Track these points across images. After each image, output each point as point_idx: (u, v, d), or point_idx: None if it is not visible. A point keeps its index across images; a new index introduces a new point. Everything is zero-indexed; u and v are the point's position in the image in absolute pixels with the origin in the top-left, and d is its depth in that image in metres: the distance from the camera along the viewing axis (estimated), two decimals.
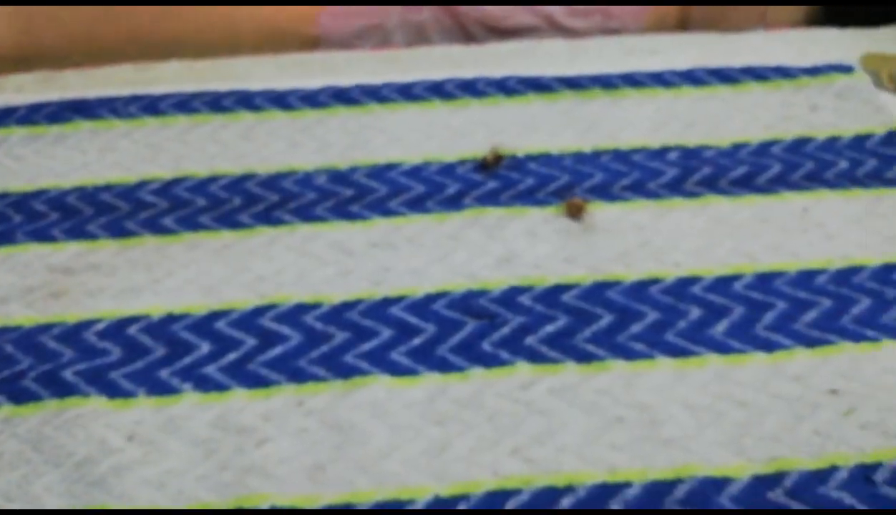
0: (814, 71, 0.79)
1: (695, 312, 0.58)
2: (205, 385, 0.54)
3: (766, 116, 0.75)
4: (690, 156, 0.71)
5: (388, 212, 0.66)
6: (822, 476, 0.49)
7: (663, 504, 0.48)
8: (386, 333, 0.57)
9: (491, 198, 0.67)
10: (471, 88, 0.78)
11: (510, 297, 0.59)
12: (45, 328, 0.57)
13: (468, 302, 0.59)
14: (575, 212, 0.65)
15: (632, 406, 0.53)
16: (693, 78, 0.79)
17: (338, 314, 0.58)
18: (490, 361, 0.55)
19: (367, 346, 0.56)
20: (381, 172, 0.70)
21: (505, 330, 0.57)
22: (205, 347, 0.56)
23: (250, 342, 0.56)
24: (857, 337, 0.57)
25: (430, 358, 0.55)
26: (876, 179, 0.69)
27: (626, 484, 0.49)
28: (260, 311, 0.58)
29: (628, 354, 0.56)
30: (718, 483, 0.49)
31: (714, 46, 0.84)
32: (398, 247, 0.63)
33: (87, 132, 0.74)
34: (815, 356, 0.56)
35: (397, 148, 0.72)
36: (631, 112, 0.75)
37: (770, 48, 0.84)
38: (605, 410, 0.52)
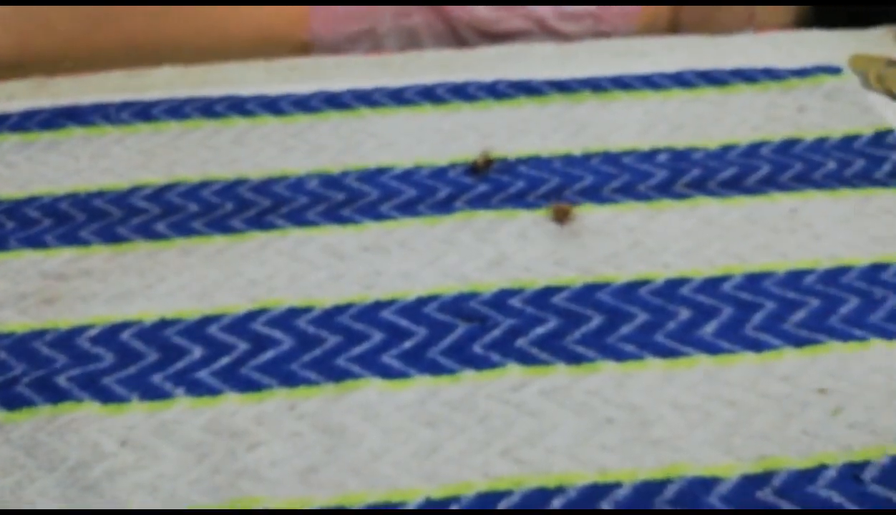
0: (802, 72, 0.80)
1: (684, 313, 0.59)
2: (197, 389, 0.54)
3: (755, 118, 0.76)
4: (680, 158, 0.72)
5: (379, 216, 0.66)
6: (811, 474, 0.49)
7: (653, 504, 0.48)
8: (377, 336, 0.57)
9: (482, 202, 0.68)
10: (462, 92, 0.78)
11: (501, 300, 0.60)
12: (39, 334, 0.58)
13: (459, 305, 0.59)
14: (561, 217, 0.65)
15: (622, 406, 0.53)
16: (682, 80, 0.79)
17: (329, 318, 0.58)
18: (481, 363, 0.55)
19: (358, 350, 0.56)
20: (372, 176, 0.70)
21: (496, 333, 0.57)
22: (197, 352, 0.56)
23: (242, 346, 0.57)
24: (845, 337, 0.57)
25: (421, 361, 0.56)
26: (864, 179, 0.70)
27: (617, 485, 0.49)
28: (252, 316, 0.59)
29: (618, 355, 0.56)
30: (708, 483, 0.49)
31: (703, 49, 0.85)
32: (390, 250, 0.63)
33: (79, 138, 0.74)
34: (804, 355, 0.56)
35: (389, 152, 0.72)
36: (620, 115, 0.76)
37: (758, 50, 0.84)
38: (595, 411, 0.53)
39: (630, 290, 0.60)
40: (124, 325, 0.58)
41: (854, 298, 0.60)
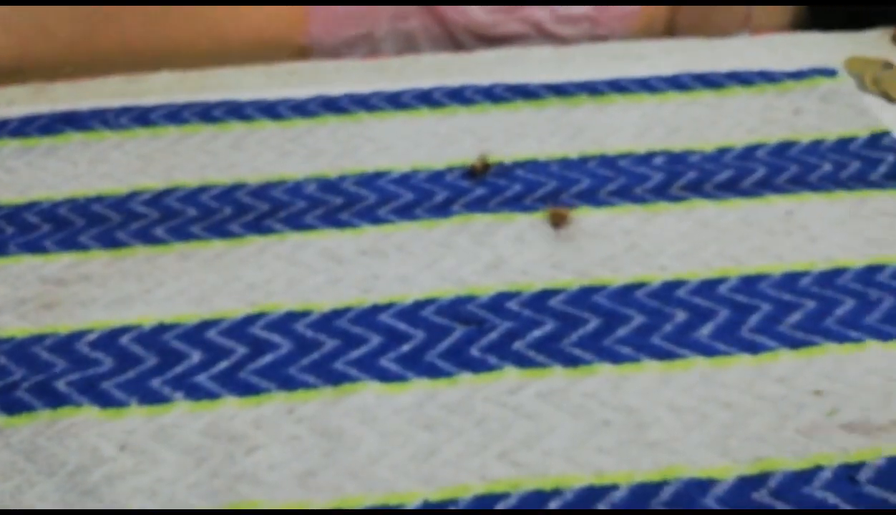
0: (797, 75, 0.80)
1: (680, 315, 0.59)
2: (196, 393, 0.54)
3: (751, 120, 0.76)
4: (676, 161, 0.72)
5: (377, 220, 0.67)
6: (807, 476, 0.50)
7: (649, 506, 0.48)
8: (375, 340, 0.57)
9: (479, 205, 0.68)
10: (458, 96, 0.78)
11: (498, 303, 0.60)
12: (38, 339, 0.58)
13: (457, 308, 0.60)
14: (558, 221, 0.65)
15: (618, 409, 0.53)
16: (678, 83, 0.79)
17: (328, 321, 0.59)
18: (478, 366, 0.56)
19: (356, 353, 0.57)
20: (370, 180, 0.70)
21: (493, 336, 0.58)
22: (196, 356, 0.57)
23: (241, 350, 0.57)
24: (841, 339, 0.57)
25: (418, 364, 0.56)
26: (860, 182, 0.70)
27: (613, 487, 0.49)
28: (251, 320, 0.59)
29: (615, 358, 0.56)
30: (704, 485, 0.49)
31: (699, 52, 0.85)
32: (387, 254, 0.64)
33: (78, 144, 0.74)
34: (800, 357, 0.56)
35: (386, 156, 0.73)
36: (617, 118, 0.76)
37: (754, 53, 0.84)
38: (591, 414, 0.53)
39: (626, 293, 0.61)
40: (123, 330, 0.58)
41: (850, 300, 0.60)
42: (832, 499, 0.49)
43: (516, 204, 0.68)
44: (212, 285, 0.61)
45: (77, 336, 0.58)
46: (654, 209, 0.67)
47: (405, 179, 0.70)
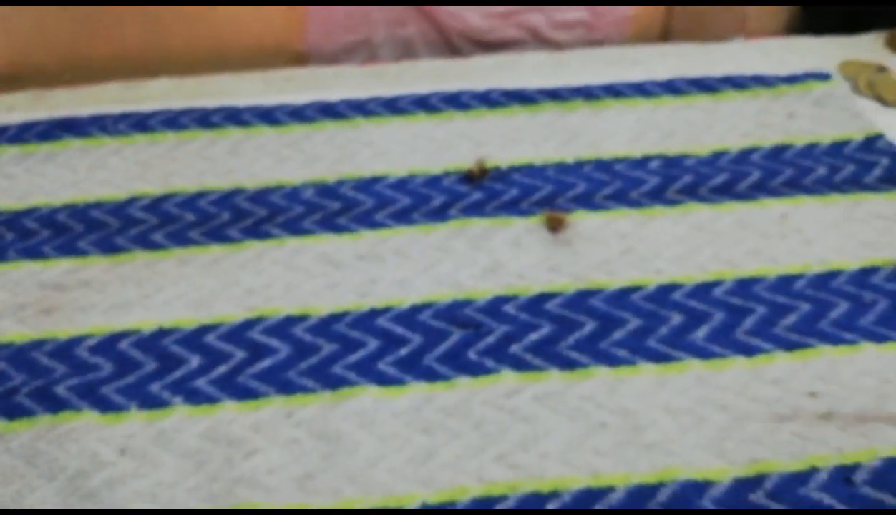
0: (791, 79, 0.81)
1: (676, 318, 0.59)
2: (195, 398, 0.55)
3: (745, 124, 0.76)
4: (671, 165, 0.72)
5: (374, 225, 0.67)
6: (802, 477, 0.50)
7: (646, 508, 0.49)
8: (373, 344, 0.58)
9: (476, 209, 0.68)
10: (455, 101, 0.79)
11: (495, 306, 0.60)
12: (38, 344, 0.58)
13: (454, 312, 0.60)
14: (555, 226, 0.66)
15: (615, 411, 0.54)
16: (673, 88, 0.80)
17: (326, 326, 0.59)
18: (476, 370, 0.56)
19: (354, 357, 0.57)
20: (367, 185, 0.71)
21: (490, 339, 0.58)
22: (195, 361, 0.57)
23: (240, 355, 0.57)
24: (835, 341, 0.58)
25: (416, 368, 0.56)
26: (853, 185, 0.70)
27: (610, 489, 0.49)
28: (249, 324, 0.59)
29: (611, 361, 0.57)
30: (700, 486, 0.50)
31: (694, 56, 0.85)
32: (385, 258, 0.64)
33: (77, 150, 0.75)
34: (795, 359, 0.57)
35: (383, 161, 0.73)
36: (612, 122, 0.77)
37: (749, 57, 0.85)
38: (588, 416, 0.53)
39: (622, 296, 0.61)
40: (122, 335, 0.59)
41: (844, 302, 0.60)
42: (828, 500, 0.49)
43: (513, 208, 0.68)
44: (210, 290, 0.62)
45: (76, 341, 0.58)
46: (650, 213, 0.68)
47: (402, 184, 0.71)
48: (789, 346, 0.57)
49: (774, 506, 0.49)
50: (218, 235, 0.66)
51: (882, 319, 0.59)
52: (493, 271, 0.63)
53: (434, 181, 0.71)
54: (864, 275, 0.62)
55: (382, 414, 0.53)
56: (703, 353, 0.57)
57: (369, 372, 0.56)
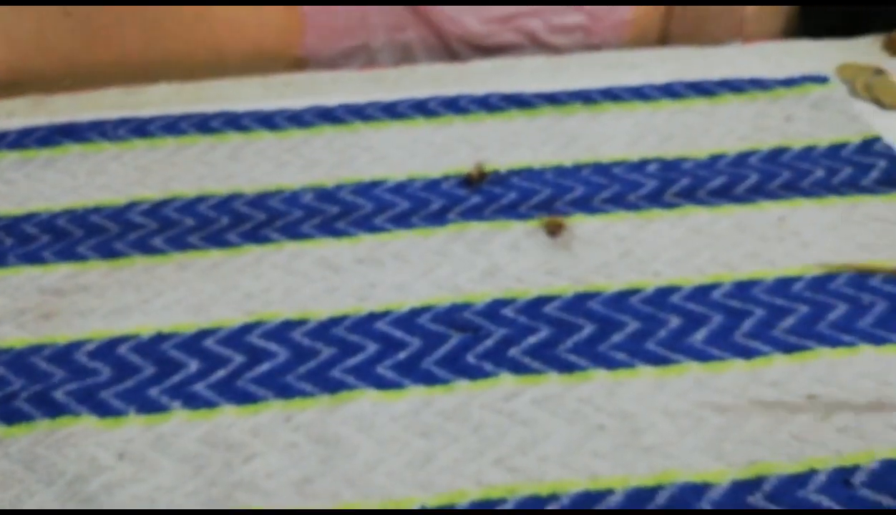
0: (789, 82, 0.81)
1: (674, 321, 0.59)
2: (194, 402, 0.55)
3: (743, 128, 0.77)
4: (669, 168, 0.72)
5: (373, 229, 0.67)
6: (801, 479, 0.50)
7: (645, 510, 0.49)
8: (372, 348, 0.58)
9: (474, 213, 0.69)
10: (454, 106, 0.79)
11: (494, 310, 0.60)
12: (37, 349, 0.58)
13: (453, 316, 0.60)
14: (554, 230, 0.66)
15: (613, 414, 0.54)
16: (671, 91, 0.80)
17: (324, 330, 0.59)
18: (474, 373, 0.56)
19: (353, 361, 0.57)
20: (366, 189, 0.71)
21: (489, 343, 0.58)
22: (193, 365, 0.57)
23: (238, 359, 0.57)
24: (833, 343, 0.58)
25: (415, 372, 0.56)
26: (851, 187, 0.71)
27: (609, 491, 0.49)
28: (248, 329, 0.59)
29: (610, 363, 0.57)
30: (699, 489, 0.50)
31: (692, 60, 0.86)
32: (384, 262, 0.64)
33: (76, 155, 0.75)
34: (793, 361, 0.57)
35: (382, 165, 0.73)
36: (610, 126, 0.77)
37: (746, 61, 0.85)
38: (587, 419, 0.53)
39: (621, 299, 0.61)
40: (121, 340, 0.59)
41: (842, 304, 0.60)
42: (826, 502, 0.49)
43: (511, 212, 0.69)
44: (209, 294, 0.62)
45: (75, 346, 0.58)
46: (648, 216, 0.68)
47: (401, 188, 0.71)
48: (788, 348, 0.57)
49: (773, 508, 0.49)
50: (217, 240, 0.66)
51: (880, 321, 0.59)
52: (491, 274, 0.63)
53: (433, 185, 0.71)
54: (861, 278, 0.62)
55: (381, 418, 0.53)
56: (701, 356, 0.57)
57: (368, 375, 0.56)
